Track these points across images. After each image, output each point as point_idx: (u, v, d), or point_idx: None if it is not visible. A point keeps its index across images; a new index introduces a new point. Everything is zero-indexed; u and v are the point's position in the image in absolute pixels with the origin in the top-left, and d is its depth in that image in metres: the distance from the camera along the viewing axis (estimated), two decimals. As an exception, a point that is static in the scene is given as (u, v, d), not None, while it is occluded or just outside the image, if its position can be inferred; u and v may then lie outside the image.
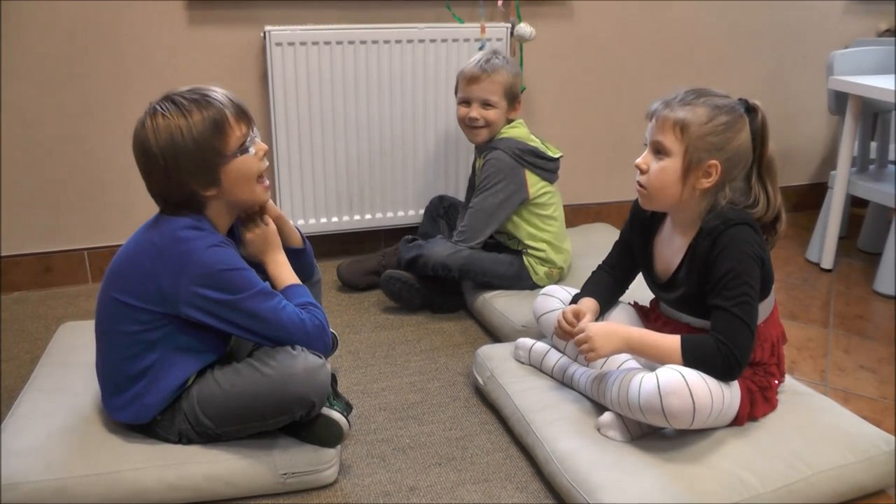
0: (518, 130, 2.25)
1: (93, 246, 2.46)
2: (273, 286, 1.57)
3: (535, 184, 2.22)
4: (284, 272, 1.62)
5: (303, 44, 2.39)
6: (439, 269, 2.21)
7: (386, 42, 2.47)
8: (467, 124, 2.27)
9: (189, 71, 2.37)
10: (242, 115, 1.49)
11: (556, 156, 2.27)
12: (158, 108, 1.44)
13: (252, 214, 1.62)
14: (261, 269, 1.63)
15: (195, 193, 1.46)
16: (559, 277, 2.30)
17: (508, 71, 2.23)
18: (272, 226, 1.63)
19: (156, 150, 1.41)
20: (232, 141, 1.46)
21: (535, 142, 2.27)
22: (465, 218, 2.26)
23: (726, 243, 1.50)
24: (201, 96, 1.45)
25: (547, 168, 2.24)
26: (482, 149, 2.30)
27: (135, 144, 1.45)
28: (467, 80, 2.24)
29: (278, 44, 2.36)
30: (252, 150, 1.50)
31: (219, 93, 1.48)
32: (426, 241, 2.29)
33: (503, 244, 2.32)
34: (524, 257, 2.26)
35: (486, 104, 2.22)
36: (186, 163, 1.42)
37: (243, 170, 1.49)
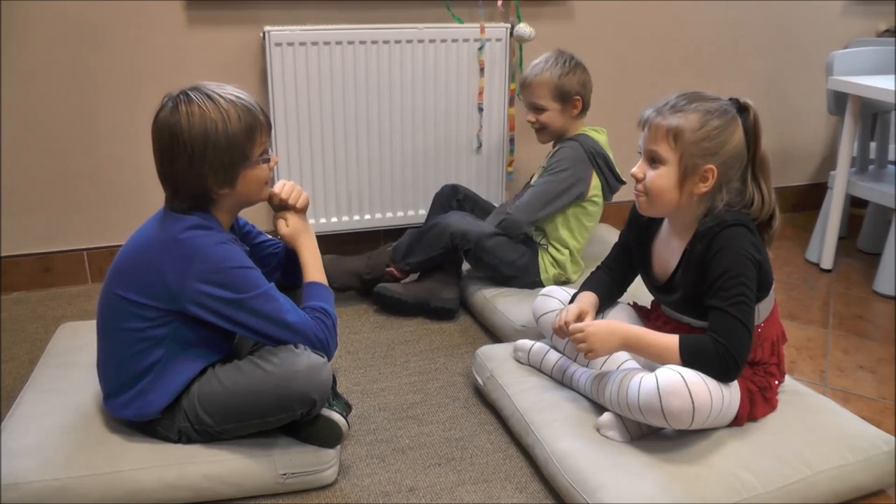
0: (600, 136, 2.28)
1: (93, 246, 2.46)
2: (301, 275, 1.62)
3: (595, 188, 2.25)
4: (317, 264, 1.65)
5: (302, 44, 2.38)
6: (458, 238, 2.21)
7: (385, 42, 2.47)
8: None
9: (188, 71, 2.37)
10: (268, 124, 1.52)
11: (622, 179, 2.28)
12: (193, 96, 1.43)
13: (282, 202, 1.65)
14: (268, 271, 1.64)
15: (209, 190, 1.46)
16: (563, 283, 2.30)
17: (552, 72, 2.21)
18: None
19: (187, 137, 1.41)
20: (258, 147, 1.49)
21: (611, 156, 2.29)
22: (526, 195, 2.26)
23: (722, 245, 1.50)
24: (237, 97, 1.46)
25: (609, 182, 2.27)
26: (557, 141, 2.32)
27: (162, 128, 1.44)
28: (519, 87, 2.31)
29: (278, 44, 2.36)
30: (270, 159, 1.54)
31: (251, 98, 1.49)
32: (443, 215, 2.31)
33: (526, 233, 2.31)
34: (540, 253, 2.26)
35: (536, 108, 2.25)
36: (213, 157, 1.42)
37: (260, 176, 1.52)
